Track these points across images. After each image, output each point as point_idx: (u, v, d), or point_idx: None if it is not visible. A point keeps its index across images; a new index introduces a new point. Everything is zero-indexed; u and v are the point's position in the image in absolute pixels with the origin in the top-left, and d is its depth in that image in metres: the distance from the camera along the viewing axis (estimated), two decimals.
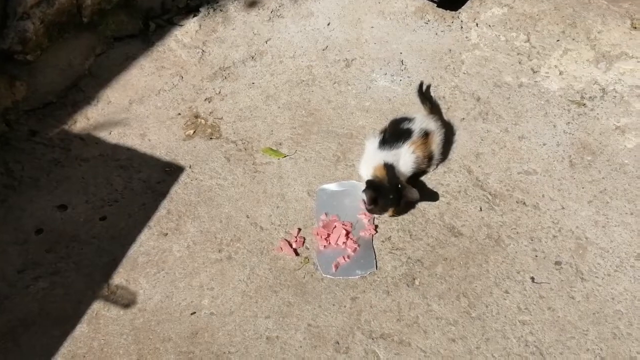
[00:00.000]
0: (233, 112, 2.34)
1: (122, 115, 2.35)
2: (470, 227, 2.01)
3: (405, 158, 2.04)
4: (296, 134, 2.27)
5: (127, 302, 1.92)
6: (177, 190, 2.14)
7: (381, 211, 1.99)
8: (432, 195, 2.08)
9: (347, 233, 2.00)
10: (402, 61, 2.45)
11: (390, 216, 2.02)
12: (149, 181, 2.16)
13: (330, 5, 2.63)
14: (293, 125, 2.29)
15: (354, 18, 2.58)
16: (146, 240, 2.03)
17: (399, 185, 1.96)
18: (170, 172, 2.18)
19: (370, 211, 2.00)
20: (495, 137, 2.22)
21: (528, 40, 2.47)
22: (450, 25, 2.54)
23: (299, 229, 2.03)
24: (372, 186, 1.96)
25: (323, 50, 2.50)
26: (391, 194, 1.95)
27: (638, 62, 2.37)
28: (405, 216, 2.04)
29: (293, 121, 2.30)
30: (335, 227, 2.02)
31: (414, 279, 1.92)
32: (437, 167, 2.15)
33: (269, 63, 2.48)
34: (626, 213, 2.02)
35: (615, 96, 2.29)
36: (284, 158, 2.20)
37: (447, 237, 1.99)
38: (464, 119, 2.28)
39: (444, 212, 2.06)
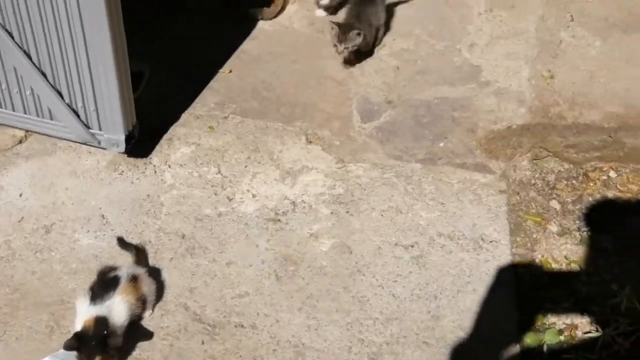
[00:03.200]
0: None
1: None
2: None
3: (118, 307, 2.06)
4: (2, 313, 2.18)
5: None
6: None
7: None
8: (148, 336, 2.11)
9: None
10: (102, 216, 2.48)
11: None
12: None
13: (19, 176, 2.60)
14: None
15: (47, 183, 2.58)
16: None
17: (105, 332, 1.97)
18: None
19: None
20: (205, 268, 2.32)
21: (219, 172, 2.64)
22: (144, 172, 2.63)
23: None
24: (75, 336, 1.96)
25: (19, 222, 2.45)
26: (94, 340, 1.96)
27: (317, 172, 2.64)
28: None
29: None
30: None
31: None
32: (153, 310, 2.19)
33: None
34: (333, 311, 2.19)
35: (304, 207, 2.52)
36: None
37: None
38: (172, 258, 2.35)
39: (168, 356, 2.08)
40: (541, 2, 3.39)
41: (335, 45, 2.96)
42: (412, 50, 3.17)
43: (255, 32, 3.25)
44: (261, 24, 3.28)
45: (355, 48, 2.97)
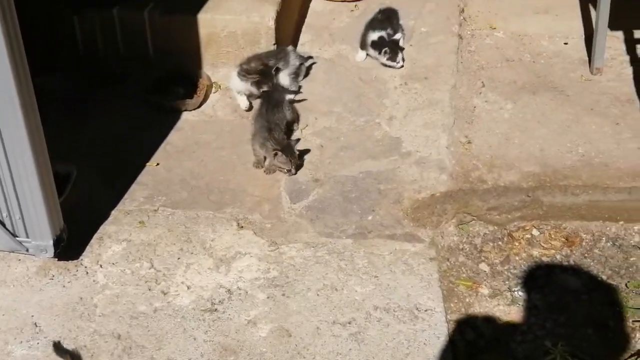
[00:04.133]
0: None
1: None
2: None
3: None
4: None
5: None
6: None
7: None
8: None
9: None
10: (35, 324, 2.44)
11: None
12: None
13: None
14: None
15: None
16: None
17: None
18: None
19: None
20: None
21: (152, 267, 2.64)
22: (75, 274, 2.61)
23: None
24: None
25: None
26: None
27: (251, 257, 2.67)
28: None
29: None
30: None
31: None
32: None
33: None
34: None
35: (240, 293, 2.53)
36: None
37: None
38: None
39: None
40: (452, 71, 3.56)
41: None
42: (334, 128, 3.26)
43: (180, 123, 3.30)
44: (185, 115, 3.34)
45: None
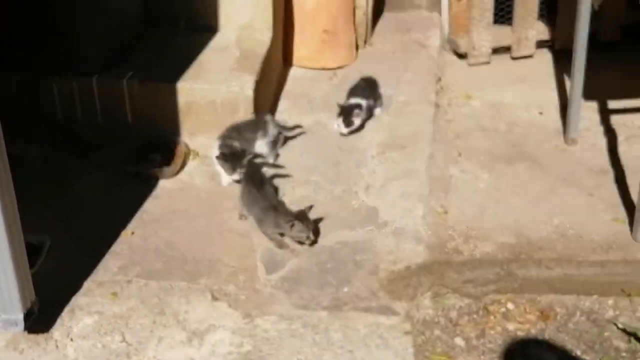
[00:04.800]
0: None
1: None
2: None
3: None
4: None
5: None
6: None
7: None
8: None
9: None
10: None
11: None
12: None
13: None
14: None
15: None
16: None
17: None
18: None
19: None
20: None
21: (124, 340, 2.59)
22: (45, 348, 2.56)
23: None
24: None
25: None
26: None
27: (224, 329, 2.63)
28: None
29: None
30: None
31: None
32: None
33: None
34: None
35: None
36: None
37: None
38: None
39: None
40: (429, 141, 3.60)
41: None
42: (311, 197, 3.27)
43: (156, 191, 3.30)
44: (162, 182, 3.34)
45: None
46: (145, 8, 3.67)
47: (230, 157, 3.24)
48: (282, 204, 3.08)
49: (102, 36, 3.46)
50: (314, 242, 2.98)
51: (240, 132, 3.36)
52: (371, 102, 3.71)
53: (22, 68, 3.41)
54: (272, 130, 3.43)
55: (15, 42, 3.24)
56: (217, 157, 3.26)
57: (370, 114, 3.72)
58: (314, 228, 2.99)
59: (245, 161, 3.23)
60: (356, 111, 3.58)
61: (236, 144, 3.29)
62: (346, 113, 3.59)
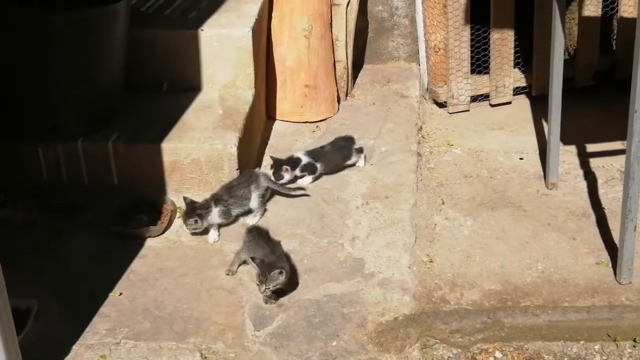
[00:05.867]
0: None
1: None
2: None
3: None
4: None
5: None
6: None
7: None
8: None
9: None
10: None
11: None
12: None
13: None
14: None
15: None
16: None
17: None
18: None
19: None
20: None
21: None
22: None
23: None
24: None
25: None
26: None
27: None
28: None
29: None
30: None
31: None
32: None
33: None
34: None
35: None
36: None
37: None
38: None
39: None
40: (412, 190, 3.65)
41: (257, 285, 2.99)
42: (297, 250, 3.29)
43: (143, 251, 3.31)
44: (149, 241, 3.35)
45: (277, 287, 2.98)
46: (129, 71, 3.72)
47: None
48: (277, 256, 3.06)
49: (86, 101, 3.51)
50: (270, 299, 2.99)
51: (232, 190, 3.42)
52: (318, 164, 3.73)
53: (6, 134, 3.44)
54: (264, 184, 3.48)
55: (0, 110, 3.28)
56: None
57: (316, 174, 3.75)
58: (275, 287, 2.96)
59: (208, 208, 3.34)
60: (285, 167, 3.64)
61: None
62: (277, 167, 3.64)
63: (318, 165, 3.72)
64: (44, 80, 3.39)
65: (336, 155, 3.80)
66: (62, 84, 3.41)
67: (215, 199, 3.38)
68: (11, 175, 3.46)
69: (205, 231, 3.38)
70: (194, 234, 3.37)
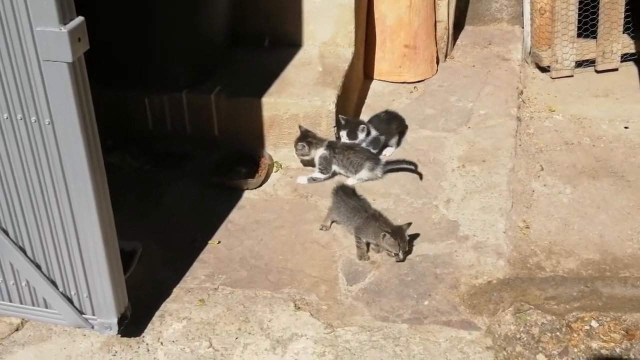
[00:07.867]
0: None
1: None
2: None
3: None
4: None
5: None
6: None
7: None
8: None
9: None
10: None
11: None
12: None
13: None
14: None
15: None
16: None
17: None
18: None
19: None
20: None
21: (211, 345, 2.69)
22: (137, 351, 2.68)
23: None
24: None
25: None
26: None
27: (307, 339, 2.70)
28: None
29: None
30: None
31: None
32: None
33: None
34: None
35: None
36: None
37: None
38: None
39: None
40: (510, 155, 3.59)
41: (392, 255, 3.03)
42: (391, 209, 3.31)
43: (241, 202, 3.40)
44: (247, 194, 3.44)
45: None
46: (232, 27, 3.78)
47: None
48: (382, 215, 3.12)
49: (191, 54, 3.59)
50: (401, 260, 3.02)
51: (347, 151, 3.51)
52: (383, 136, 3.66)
53: (115, 84, 3.56)
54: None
55: (111, 61, 3.39)
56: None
57: (379, 146, 3.67)
58: (406, 247, 3.01)
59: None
60: (362, 126, 3.59)
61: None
62: (352, 127, 3.58)
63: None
64: (151, 32, 3.49)
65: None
66: (169, 35, 3.51)
67: (330, 144, 3.45)
68: (119, 123, 3.60)
69: (311, 163, 3.47)
70: (301, 160, 3.50)
